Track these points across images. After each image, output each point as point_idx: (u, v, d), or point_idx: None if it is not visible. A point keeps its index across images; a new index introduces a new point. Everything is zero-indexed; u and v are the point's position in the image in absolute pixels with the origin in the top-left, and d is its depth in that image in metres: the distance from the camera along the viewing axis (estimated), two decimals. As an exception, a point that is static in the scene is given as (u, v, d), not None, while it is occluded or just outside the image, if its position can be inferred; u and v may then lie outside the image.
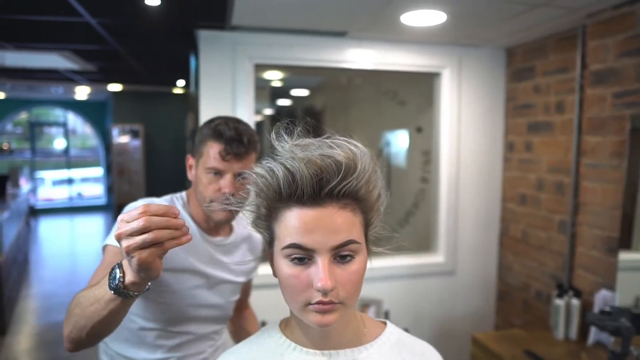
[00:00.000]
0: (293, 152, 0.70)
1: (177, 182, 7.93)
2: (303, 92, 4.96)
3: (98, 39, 3.11)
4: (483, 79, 2.88)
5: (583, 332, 2.14)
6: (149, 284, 0.85)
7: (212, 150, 1.24)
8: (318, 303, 0.68)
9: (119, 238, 0.74)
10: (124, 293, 0.83)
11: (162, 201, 1.30)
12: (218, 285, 1.36)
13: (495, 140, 2.95)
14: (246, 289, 1.61)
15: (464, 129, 2.88)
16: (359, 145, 0.73)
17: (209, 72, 2.49)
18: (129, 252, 0.73)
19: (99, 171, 11.03)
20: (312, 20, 2.39)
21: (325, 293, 0.67)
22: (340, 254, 0.69)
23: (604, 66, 2.08)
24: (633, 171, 1.97)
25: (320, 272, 0.67)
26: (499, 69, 2.90)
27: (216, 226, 1.35)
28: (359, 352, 0.78)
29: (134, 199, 1.37)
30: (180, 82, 6.07)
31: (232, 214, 1.28)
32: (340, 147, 0.70)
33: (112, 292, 0.84)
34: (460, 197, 2.90)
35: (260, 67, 2.61)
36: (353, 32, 2.55)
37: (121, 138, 8.31)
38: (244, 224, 1.43)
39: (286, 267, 0.70)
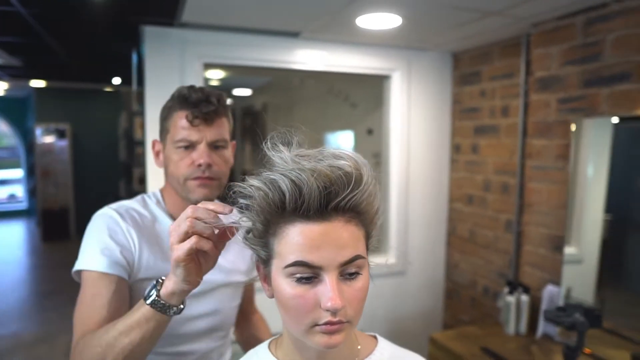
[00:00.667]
0: (299, 162, 0.65)
1: (108, 183, 7.54)
2: (245, 92, 4.87)
3: (27, 31, 2.85)
4: (431, 83, 2.95)
5: (532, 326, 2.24)
6: (185, 299, 0.84)
7: (179, 119, 1.11)
8: (326, 324, 0.64)
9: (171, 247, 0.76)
10: (162, 305, 0.81)
11: (134, 202, 1.18)
12: (211, 291, 1.18)
13: (443, 142, 3.03)
14: (248, 292, 1.43)
15: (414, 131, 2.93)
16: (359, 155, 0.70)
17: (155, 70, 2.35)
18: (179, 261, 0.76)
19: (18, 173, 10.22)
20: (266, 20, 2.32)
21: (334, 313, 0.64)
22: (347, 271, 0.66)
23: (549, 73, 2.19)
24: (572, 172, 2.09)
25: (329, 290, 0.63)
26: (445, 73, 2.98)
27: None
28: None
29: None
30: (116, 80, 5.73)
31: (212, 191, 1.13)
32: (345, 158, 0.67)
33: (150, 305, 0.82)
34: (410, 198, 2.96)
35: (209, 66, 2.50)
36: (306, 33, 2.51)
37: (45, 138, 7.73)
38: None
39: (289, 286, 0.65)
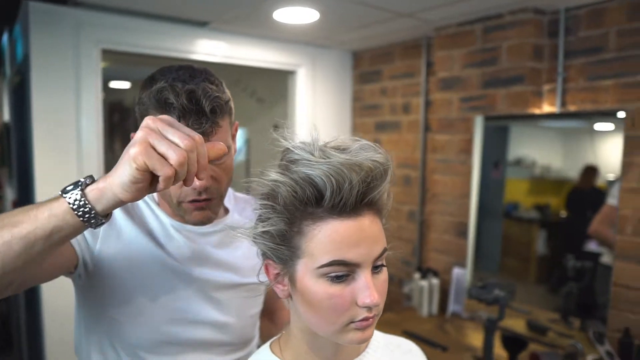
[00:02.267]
0: (328, 155, 0.62)
1: None
2: (123, 85, 4.45)
3: None
4: (333, 80, 3.02)
5: (442, 307, 2.44)
6: (104, 219, 0.66)
7: None
8: (363, 320, 0.63)
9: (146, 125, 0.62)
10: (81, 205, 0.63)
11: None
12: (218, 291, 0.98)
13: (345, 138, 3.12)
14: (271, 292, 1.14)
15: (318, 127, 2.96)
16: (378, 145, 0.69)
17: (43, 55, 2.02)
18: (140, 160, 0.60)
19: None
20: (174, 7, 2.15)
21: (370, 309, 0.63)
22: (375, 265, 0.65)
23: (451, 74, 2.39)
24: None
25: (366, 287, 0.62)
26: (346, 71, 3.08)
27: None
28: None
29: None
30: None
31: (212, 211, 0.93)
32: (376, 150, 0.65)
33: (69, 202, 0.63)
34: (316, 193, 3.00)
35: (108, 53, 2.23)
36: (216, 24, 2.39)
37: None
38: (241, 209, 1.07)
39: (324, 287, 0.62)
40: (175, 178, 0.63)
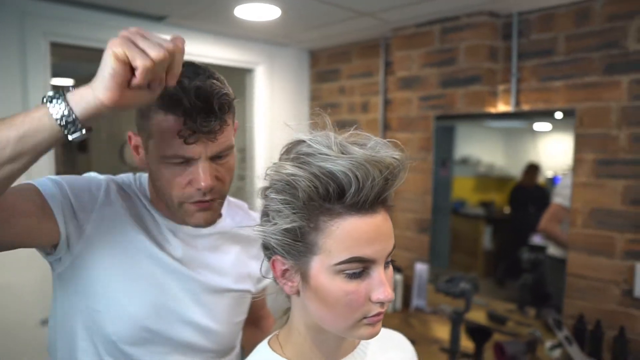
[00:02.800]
0: (347, 151, 0.61)
1: None
2: (67, 82, 4.18)
3: None
4: (291, 78, 3.00)
5: (405, 302, 2.48)
6: (83, 128, 0.66)
7: (167, 130, 0.80)
8: (375, 315, 0.64)
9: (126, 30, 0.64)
10: (61, 106, 0.64)
11: (123, 183, 0.96)
12: (207, 294, 0.94)
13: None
14: (258, 301, 1.13)
15: (277, 126, 2.94)
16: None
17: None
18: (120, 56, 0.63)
19: None
20: (130, 0, 2.05)
21: (383, 304, 0.64)
22: (386, 261, 0.66)
23: (410, 74, 2.44)
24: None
25: (381, 283, 0.63)
26: (303, 70, 3.07)
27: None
28: (362, 354, 0.76)
29: None
30: None
31: (215, 212, 0.91)
32: (392, 146, 0.66)
33: (49, 107, 0.64)
34: (275, 193, 2.97)
35: (57, 47, 2.09)
36: (174, 19, 2.30)
37: None
38: (243, 220, 1.04)
39: (341, 284, 0.62)
40: (150, 75, 0.65)
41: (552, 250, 2.16)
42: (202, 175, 0.82)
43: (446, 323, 2.22)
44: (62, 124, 0.64)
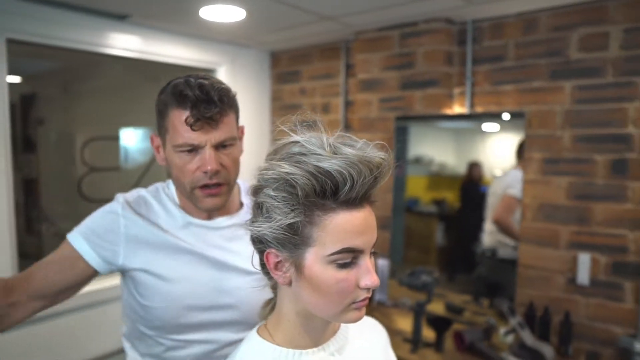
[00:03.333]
0: (350, 151, 0.66)
1: None
2: (14, 79, 3.97)
3: None
4: (252, 79, 3.03)
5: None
6: None
7: (178, 121, 0.97)
8: (362, 300, 0.70)
9: None
10: None
11: (149, 191, 1.12)
12: (231, 277, 1.06)
13: (264, 138, 3.14)
14: None
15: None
16: None
17: None
18: None
19: None
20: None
21: (369, 290, 0.70)
22: (371, 251, 0.72)
23: (370, 76, 2.53)
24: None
25: (368, 270, 0.69)
26: (264, 71, 3.10)
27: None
28: (344, 337, 0.82)
29: None
30: None
31: (222, 198, 1.03)
32: (378, 146, 0.70)
33: None
34: (238, 192, 2.99)
35: (14, 43, 2.03)
36: (137, 18, 2.28)
37: None
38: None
39: (333, 272, 0.68)
40: None
41: (502, 252, 2.30)
42: (207, 159, 0.97)
43: (407, 315, 2.33)
44: None
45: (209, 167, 0.97)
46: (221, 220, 1.10)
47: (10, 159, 2.00)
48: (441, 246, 2.69)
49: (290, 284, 0.72)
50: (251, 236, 0.74)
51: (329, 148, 0.66)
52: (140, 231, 1.05)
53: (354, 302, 0.69)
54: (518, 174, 2.19)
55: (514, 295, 2.16)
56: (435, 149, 2.58)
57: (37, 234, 2.57)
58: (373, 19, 2.32)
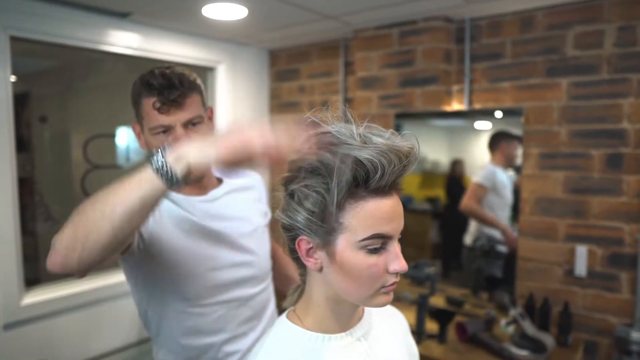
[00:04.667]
0: (380, 141, 0.69)
1: None
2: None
3: None
4: (252, 77, 3.05)
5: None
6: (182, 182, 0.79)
7: (149, 107, 1.12)
8: (391, 285, 0.73)
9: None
10: (165, 170, 0.76)
11: None
12: (239, 238, 1.24)
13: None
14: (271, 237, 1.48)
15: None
16: None
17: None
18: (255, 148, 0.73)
19: None
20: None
21: (397, 275, 0.73)
22: (398, 237, 0.75)
23: (370, 74, 2.57)
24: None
25: (397, 256, 0.72)
26: (263, 69, 3.12)
27: (198, 185, 1.24)
28: (368, 323, 0.85)
29: None
30: None
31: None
32: (405, 136, 0.73)
33: (154, 169, 0.77)
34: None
35: (17, 41, 2.02)
36: (138, 16, 2.28)
37: None
38: (236, 176, 1.36)
39: (364, 257, 0.70)
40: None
41: (500, 247, 2.36)
42: (178, 137, 1.10)
43: (409, 309, 2.37)
44: (168, 180, 0.78)
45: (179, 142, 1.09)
46: (213, 193, 1.26)
47: (15, 158, 2.00)
48: (436, 243, 2.73)
49: (321, 270, 0.74)
50: (283, 224, 0.76)
51: (359, 138, 0.69)
52: (161, 208, 1.16)
53: (383, 287, 0.72)
54: (488, 166, 2.30)
55: (513, 287, 2.21)
56: (429, 147, 2.62)
57: (34, 234, 2.56)
58: (372, 17, 2.35)
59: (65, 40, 2.14)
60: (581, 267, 2.08)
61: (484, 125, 2.40)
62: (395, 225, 0.71)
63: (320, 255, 0.73)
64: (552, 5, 2.10)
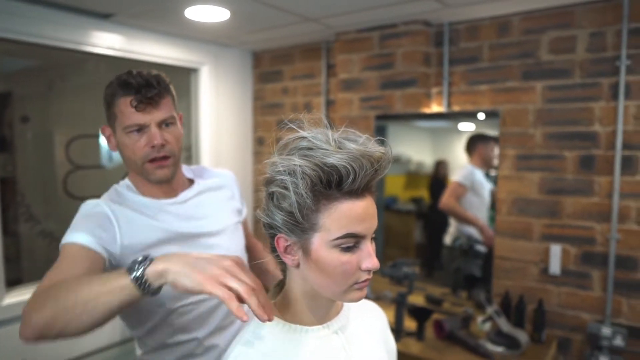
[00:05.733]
0: (352, 146, 0.72)
1: None
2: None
3: None
4: (235, 78, 3.07)
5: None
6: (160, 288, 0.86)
7: (124, 106, 1.15)
8: (363, 281, 0.77)
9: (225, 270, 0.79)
10: (143, 282, 0.83)
11: (104, 197, 1.22)
12: (207, 238, 1.26)
13: (246, 136, 3.19)
14: (245, 228, 1.48)
15: (222, 125, 3.00)
16: None
17: None
18: (224, 281, 0.77)
19: None
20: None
21: (370, 272, 0.77)
22: (372, 237, 0.79)
23: (351, 76, 2.60)
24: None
25: (369, 254, 0.76)
26: (247, 70, 3.14)
27: (168, 186, 1.26)
28: (346, 317, 0.89)
29: None
30: None
31: (170, 169, 1.21)
32: (378, 142, 0.77)
33: (133, 279, 0.83)
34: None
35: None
36: (121, 17, 2.29)
37: None
38: (207, 176, 1.40)
39: (338, 255, 0.74)
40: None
41: (479, 247, 2.41)
42: (153, 135, 1.15)
43: (389, 307, 2.41)
44: (145, 293, 0.84)
45: (155, 142, 1.15)
46: (184, 194, 1.28)
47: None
48: (419, 243, 2.77)
49: (298, 266, 0.78)
50: (263, 223, 0.80)
51: (334, 143, 0.73)
52: (128, 214, 1.17)
53: (356, 283, 0.76)
54: (468, 166, 2.37)
55: (490, 286, 2.27)
56: (413, 148, 2.66)
57: (16, 234, 2.55)
58: (353, 20, 2.39)
59: (48, 41, 2.14)
60: (555, 266, 2.14)
61: (466, 127, 2.45)
62: (368, 225, 0.75)
63: (297, 253, 0.77)
64: (527, 10, 2.16)
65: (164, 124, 1.18)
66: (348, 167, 0.70)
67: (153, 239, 1.16)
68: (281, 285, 0.88)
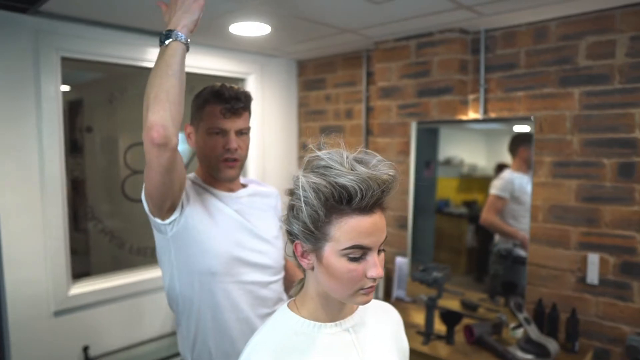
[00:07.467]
0: (355, 167, 0.82)
1: None
2: (64, 88, 4.31)
3: None
4: (280, 87, 3.22)
5: (387, 293, 2.71)
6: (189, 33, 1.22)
7: (213, 111, 1.37)
8: (369, 287, 0.86)
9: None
10: (177, 34, 1.18)
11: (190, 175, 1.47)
12: (258, 230, 1.45)
13: (291, 141, 3.33)
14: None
15: (267, 131, 3.16)
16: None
17: (3, 61, 2.06)
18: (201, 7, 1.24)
19: None
20: (131, 17, 2.25)
21: (375, 280, 0.86)
22: (379, 249, 0.88)
23: (389, 84, 2.67)
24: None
25: (375, 264, 0.85)
26: (292, 79, 3.29)
27: (229, 184, 1.47)
28: (360, 317, 0.98)
29: None
30: None
31: (237, 170, 1.44)
32: (389, 165, 0.86)
33: (168, 40, 1.17)
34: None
35: (67, 61, 2.29)
36: (173, 34, 2.50)
37: None
38: (257, 185, 1.60)
39: (344, 264, 0.84)
40: None
41: (515, 251, 2.39)
42: (231, 140, 1.39)
43: (423, 311, 2.45)
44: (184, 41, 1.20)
45: (231, 146, 1.38)
46: (239, 192, 1.49)
47: (64, 164, 2.25)
48: (471, 247, 2.76)
49: (312, 269, 0.90)
50: (285, 229, 0.92)
51: (348, 165, 0.83)
52: (200, 192, 1.41)
53: (362, 289, 0.85)
54: (505, 175, 2.31)
55: (524, 293, 2.25)
56: (466, 151, 2.64)
57: (85, 231, 2.83)
58: (391, 30, 2.46)
59: (110, 59, 2.39)
60: (593, 275, 2.10)
61: (522, 129, 2.37)
62: (375, 239, 0.84)
63: (312, 258, 0.88)
64: (564, 16, 2.13)
65: (240, 132, 1.41)
66: (357, 187, 0.80)
67: (215, 211, 1.39)
68: (302, 284, 1.00)
